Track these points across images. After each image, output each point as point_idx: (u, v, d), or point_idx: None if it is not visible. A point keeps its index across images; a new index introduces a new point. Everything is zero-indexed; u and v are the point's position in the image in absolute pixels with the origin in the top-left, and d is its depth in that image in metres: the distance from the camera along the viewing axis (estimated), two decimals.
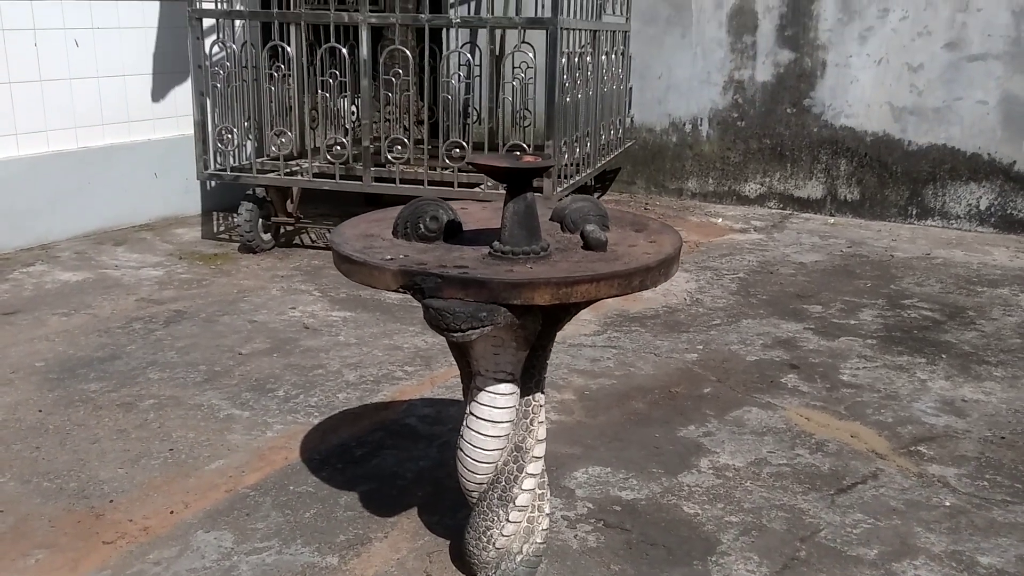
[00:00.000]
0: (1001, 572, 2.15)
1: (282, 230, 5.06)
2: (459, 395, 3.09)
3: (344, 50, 4.42)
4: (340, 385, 3.17)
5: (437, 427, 2.87)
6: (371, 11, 4.31)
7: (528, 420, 1.89)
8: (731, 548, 2.23)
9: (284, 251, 4.93)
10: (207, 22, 4.67)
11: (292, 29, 4.62)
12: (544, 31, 4.14)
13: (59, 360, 3.32)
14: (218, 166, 4.75)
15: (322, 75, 4.58)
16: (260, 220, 4.80)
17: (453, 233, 1.84)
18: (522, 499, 1.90)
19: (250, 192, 4.78)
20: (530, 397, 1.89)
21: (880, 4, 5.62)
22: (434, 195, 4.36)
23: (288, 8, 4.87)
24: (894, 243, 5.32)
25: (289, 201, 4.93)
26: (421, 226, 1.78)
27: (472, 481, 1.92)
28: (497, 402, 1.82)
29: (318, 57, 4.59)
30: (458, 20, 4.18)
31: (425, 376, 3.26)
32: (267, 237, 4.90)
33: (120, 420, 2.86)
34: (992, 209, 5.54)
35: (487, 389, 1.82)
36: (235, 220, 4.91)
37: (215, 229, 5.36)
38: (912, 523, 2.36)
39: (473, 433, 1.86)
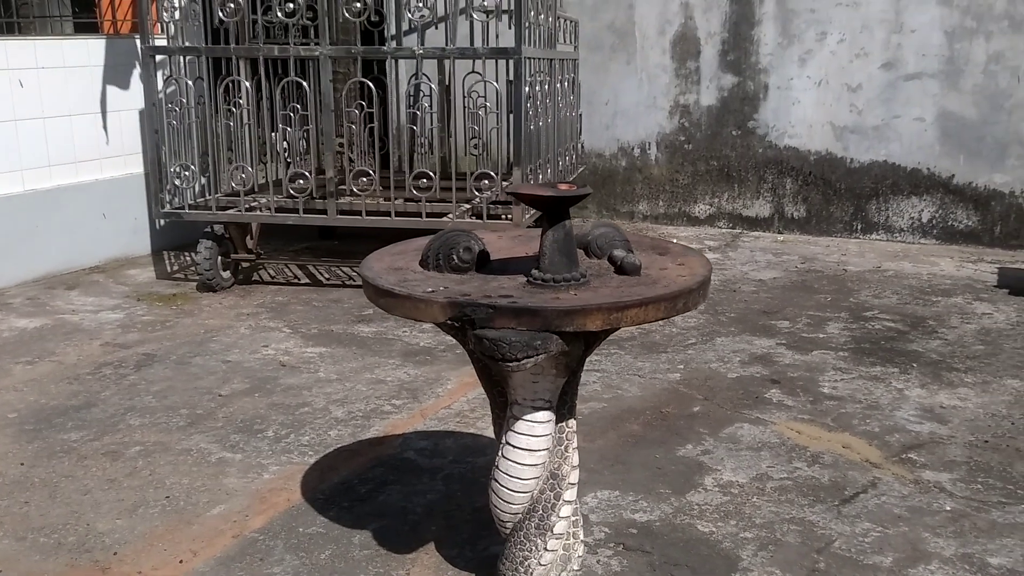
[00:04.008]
0: (1012, 572, 2.22)
1: (240, 267, 4.97)
2: (453, 427, 3.08)
3: (306, 84, 4.38)
4: (329, 422, 3.12)
5: (437, 460, 2.85)
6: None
7: (563, 447, 1.89)
8: (752, 564, 2.26)
9: (244, 288, 4.84)
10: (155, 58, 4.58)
11: (241, 63, 4.57)
12: (505, 61, 4.18)
13: (32, 410, 3.20)
14: (172, 205, 4.64)
15: (283, 109, 4.53)
16: (219, 258, 4.70)
17: (482, 263, 1.84)
18: (559, 527, 1.90)
19: (208, 230, 4.68)
20: (563, 424, 1.89)
21: (818, 28, 5.82)
22: (402, 225, 4.37)
23: (228, 43, 4.82)
24: (844, 257, 5.48)
25: (248, 237, 4.85)
26: (454, 257, 1.78)
27: (508, 512, 1.91)
28: (535, 430, 1.82)
29: (276, 91, 4.54)
30: (421, 51, 4.19)
31: (415, 409, 3.23)
32: (227, 275, 4.80)
33: (108, 469, 2.76)
34: (934, 221, 5.75)
35: (525, 418, 1.81)
36: (194, 259, 4.80)
37: (169, 269, 5.24)
38: (919, 529, 2.42)
39: (510, 463, 1.85)
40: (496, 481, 1.89)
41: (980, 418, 3.13)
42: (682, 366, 3.63)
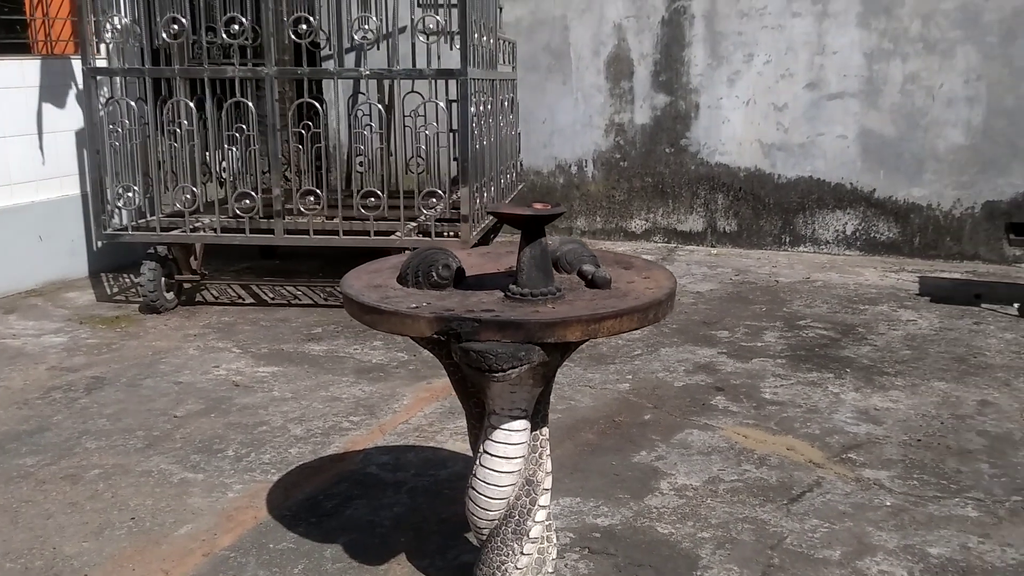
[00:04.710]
0: (951, 560, 2.38)
1: (182, 288, 4.94)
2: (413, 441, 3.14)
3: (251, 104, 4.40)
4: (289, 440, 3.15)
5: (400, 473, 2.90)
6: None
7: (537, 454, 1.98)
8: (711, 562, 2.37)
9: (188, 309, 4.81)
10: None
11: (180, 84, 4.57)
12: (444, 82, 4.27)
13: None
14: (114, 226, 4.60)
15: (227, 129, 4.54)
16: (163, 279, 4.67)
17: (458, 280, 1.92)
18: (535, 531, 1.98)
19: (151, 251, 4.65)
20: (538, 432, 1.98)
21: (745, 50, 6.06)
22: (349, 244, 4.41)
23: (170, 63, 4.83)
24: (775, 269, 5.70)
25: (192, 257, 4.82)
26: (434, 274, 1.85)
27: (485, 518, 1.98)
28: (512, 439, 1.90)
29: (219, 111, 4.55)
30: (367, 72, 4.25)
31: (373, 425, 3.28)
32: (170, 296, 4.77)
33: (69, 493, 2.75)
34: (857, 233, 6.02)
35: (502, 427, 1.89)
36: (134, 280, 4.76)
37: (109, 291, 5.17)
38: (863, 523, 2.57)
39: (487, 471, 1.93)
40: (474, 489, 1.96)
41: (912, 418, 3.31)
42: (630, 376, 3.76)
